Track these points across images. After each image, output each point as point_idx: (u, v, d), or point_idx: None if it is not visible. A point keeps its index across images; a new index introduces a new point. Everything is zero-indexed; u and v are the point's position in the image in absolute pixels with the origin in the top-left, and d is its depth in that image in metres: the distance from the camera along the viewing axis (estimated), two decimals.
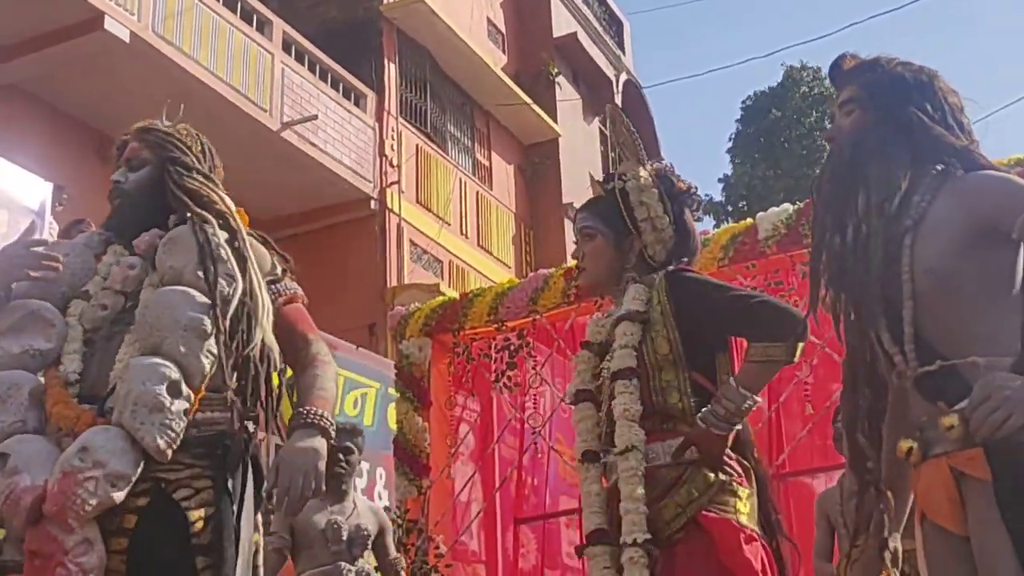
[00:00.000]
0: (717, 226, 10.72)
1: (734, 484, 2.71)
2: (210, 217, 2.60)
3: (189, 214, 2.60)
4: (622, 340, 2.84)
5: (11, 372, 2.49)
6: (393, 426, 6.88)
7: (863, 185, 2.18)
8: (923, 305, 2.07)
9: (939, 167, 2.18)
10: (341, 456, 5.29)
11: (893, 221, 2.12)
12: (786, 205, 5.57)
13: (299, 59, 13.27)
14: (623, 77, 20.72)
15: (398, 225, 14.49)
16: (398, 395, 6.71)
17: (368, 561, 5.47)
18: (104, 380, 2.46)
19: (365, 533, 5.35)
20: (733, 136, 30.74)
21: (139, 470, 2.33)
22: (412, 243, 14.79)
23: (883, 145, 2.19)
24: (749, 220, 5.66)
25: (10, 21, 10.37)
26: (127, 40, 10.60)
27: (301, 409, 2.52)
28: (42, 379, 2.52)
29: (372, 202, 14.15)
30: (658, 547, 2.66)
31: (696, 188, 3.12)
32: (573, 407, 3.04)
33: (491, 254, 16.63)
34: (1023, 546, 1.88)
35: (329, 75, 13.78)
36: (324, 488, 2.48)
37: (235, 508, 2.40)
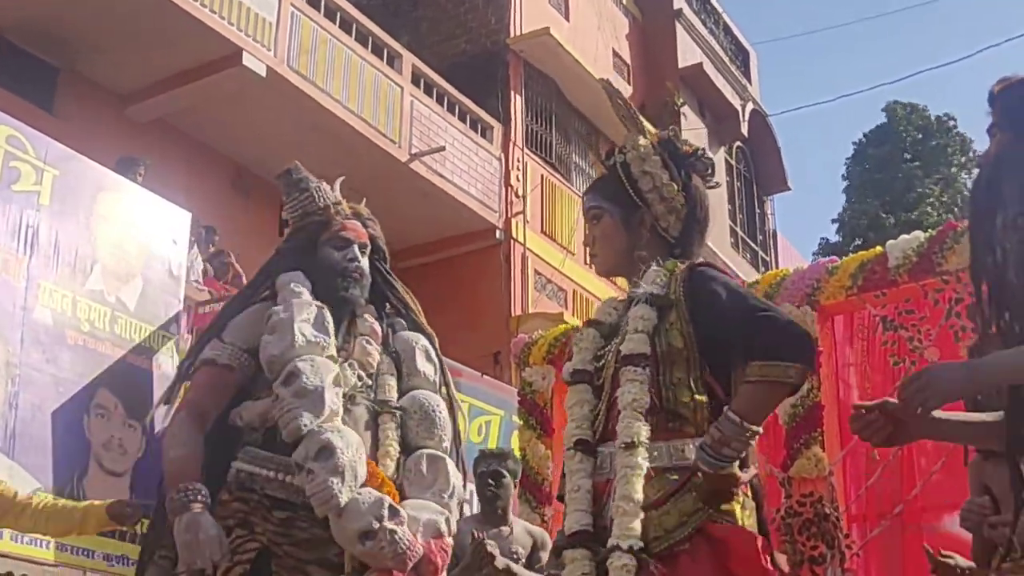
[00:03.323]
0: None
1: (740, 494, 2.50)
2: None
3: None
4: (636, 324, 2.57)
5: None
6: (517, 454, 6.91)
7: (999, 204, 2.14)
8: None
9: None
10: (491, 481, 5.28)
11: None
12: (917, 233, 5.44)
13: (428, 91, 13.52)
14: (749, 107, 20.51)
15: (523, 255, 14.59)
16: (521, 423, 6.74)
17: None
18: None
19: (515, 556, 5.29)
20: (845, 175, 30.31)
21: None
22: (537, 272, 14.87)
23: (1017, 163, 2.16)
24: (879, 248, 5.54)
25: (157, 59, 10.85)
26: (264, 74, 10.98)
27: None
28: None
29: (498, 232, 14.28)
30: (649, 555, 2.40)
31: (703, 150, 2.91)
32: (569, 387, 2.75)
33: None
34: None
35: (457, 107, 14.01)
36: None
37: None
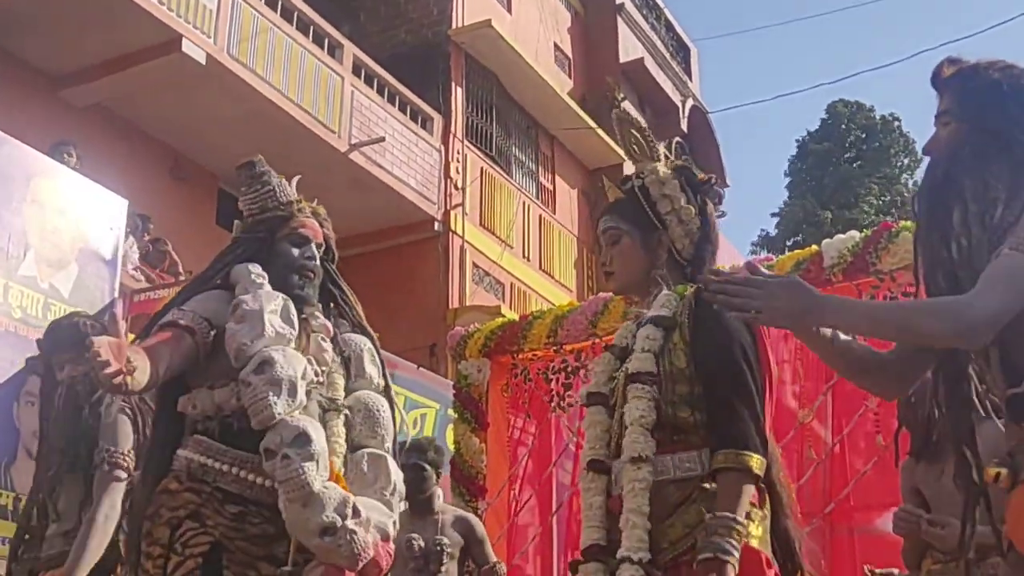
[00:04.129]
0: None
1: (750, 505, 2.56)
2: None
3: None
4: (643, 344, 2.69)
5: None
6: (452, 447, 6.94)
7: (959, 199, 2.09)
8: (1016, 323, 1.96)
9: None
10: (411, 475, 5.26)
11: (996, 231, 2.03)
12: (852, 233, 5.51)
13: (368, 82, 13.48)
14: (689, 103, 20.70)
15: (461, 247, 14.61)
16: (456, 416, 6.76)
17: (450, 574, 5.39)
18: None
19: (439, 548, 5.27)
20: (788, 171, 30.75)
21: None
22: (475, 265, 14.90)
23: (977, 158, 2.10)
24: (814, 247, 5.61)
25: (93, 43, 10.69)
26: (203, 62, 10.87)
27: None
28: None
29: (436, 224, 14.29)
30: (657, 567, 2.53)
31: (715, 179, 3.02)
32: (587, 409, 2.86)
33: (553, 278, 16.67)
34: None
35: (397, 98, 13.98)
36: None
37: None
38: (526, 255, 16.22)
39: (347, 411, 2.86)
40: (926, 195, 2.16)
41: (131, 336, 2.90)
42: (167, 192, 12.04)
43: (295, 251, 2.97)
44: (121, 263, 7.91)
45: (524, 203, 16.44)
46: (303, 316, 2.90)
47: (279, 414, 2.62)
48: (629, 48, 19.32)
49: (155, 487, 2.75)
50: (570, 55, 18.76)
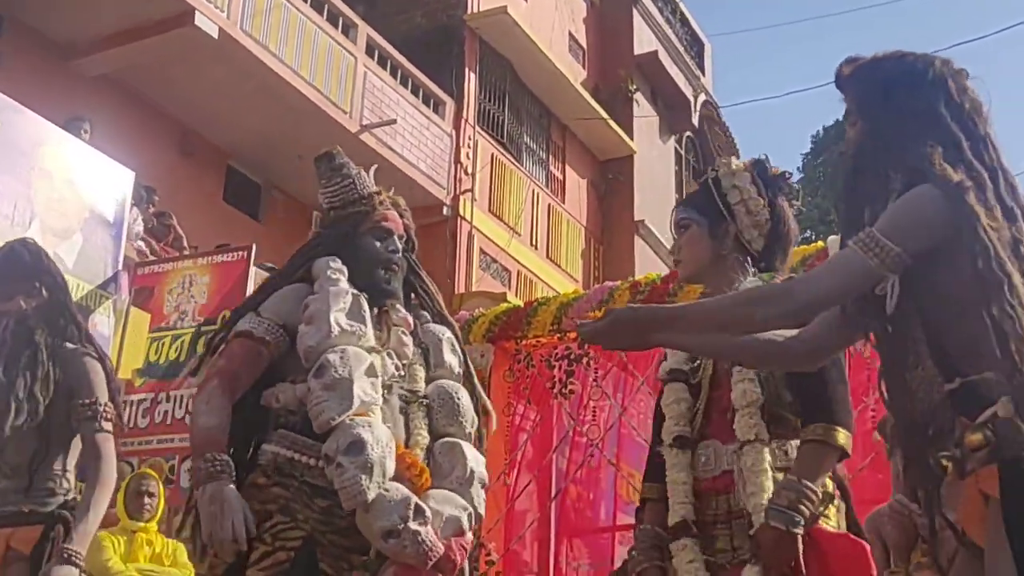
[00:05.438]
0: None
1: (835, 497, 2.64)
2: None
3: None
4: None
5: None
6: None
7: (867, 198, 2.10)
8: (933, 321, 2.00)
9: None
10: None
11: None
12: None
13: (382, 63, 13.43)
14: (702, 98, 20.62)
15: (469, 233, 14.58)
16: None
17: None
18: None
19: None
20: (801, 168, 30.63)
21: None
22: (482, 251, 14.87)
23: (879, 154, 2.12)
24: (820, 243, 5.63)
25: (104, 14, 10.65)
26: (216, 36, 10.82)
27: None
28: None
29: (445, 208, 14.25)
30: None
31: (791, 174, 3.03)
32: (664, 386, 2.92)
33: (559, 267, 16.64)
34: None
35: (410, 81, 13.93)
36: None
37: None
38: (534, 243, 16.19)
39: (428, 402, 2.88)
40: (842, 197, 2.20)
41: (134, 311, 2.89)
42: (175, 166, 12.01)
43: (379, 245, 2.99)
44: (126, 235, 7.89)
45: (533, 191, 16.40)
46: (384, 309, 2.92)
47: (334, 419, 2.63)
48: (644, 41, 19.25)
49: (241, 481, 2.73)
50: (584, 45, 18.69)
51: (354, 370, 2.68)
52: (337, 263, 2.90)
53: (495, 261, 15.19)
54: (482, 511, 2.83)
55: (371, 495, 2.57)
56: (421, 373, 2.93)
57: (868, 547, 2.58)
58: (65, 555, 2.80)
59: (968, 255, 1.93)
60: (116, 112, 10.93)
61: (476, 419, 2.96)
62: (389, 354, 2.86)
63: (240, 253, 7.75)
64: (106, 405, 3.03)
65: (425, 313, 3.10)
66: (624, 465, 6.45)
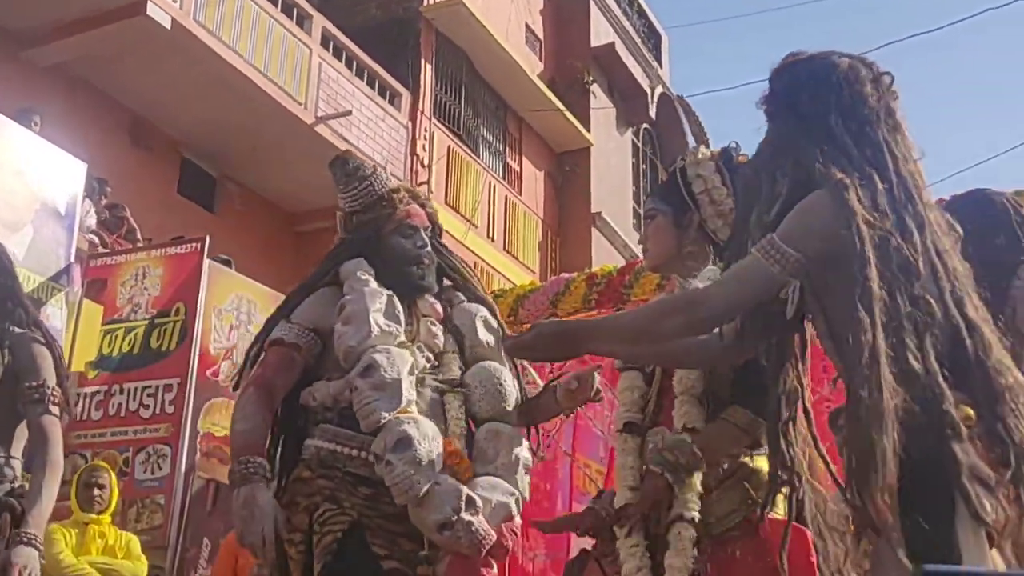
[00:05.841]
0: None
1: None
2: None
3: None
4: None
5: None
6: None
7: (757, 201, 2.16)
8: (833, 319, 2.06)
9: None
10: None
11: (766, 230, 2.08)
12: None
13: (337, 55, 13.36)
14: (659, 90, 20.71)
15: None
16: None
17: None
18: None
19: None
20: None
21: None
22: None
23: (775, 155, 2.17)
24: None
25: (56, 3, 10.51)
26: (168, 27, 10.71)
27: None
28: None
29: None
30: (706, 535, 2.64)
31: None
32: (620, 374, 2.98)
33: (516, 258, 16.66)
34: None
35: (365, 72, 13.87)
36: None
37: None
38: (491, 235, 16.19)
39: (464, 391, 2.88)
40: (739, 198, 2.30)
41: (87, 303, 2.88)
42: (127, 157, 11.88)
43: (406, 243, 3.00)
44: (78, 227, 7.81)
45: (490, 183, 16.40)
46: (411, 302, 2.94)
47: (383, 418, 2.67)
48: (601, 32, 19.30)
49: (287, 477, 2.82)
50: (541, 37, 18.70)
51: (401, 370, 2.74)
52: (364, 265, 2.94)
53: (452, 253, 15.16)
54: (527, 495, 2.86)
55: (422, 490, 2.61)
56: (455, 361, 2.94)
57: (810, 534, 2.61)
58: (24, 539, 2.80)
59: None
60: (67, 103, 10.80)
61: (520, 396, 2.96)
62: (419, 347, 2.88)
63: (194, 245, 7.70)
64: (54, 389, 3.01)
65: (459, 294, 3.11)
66: (580, 455, 6.48)
